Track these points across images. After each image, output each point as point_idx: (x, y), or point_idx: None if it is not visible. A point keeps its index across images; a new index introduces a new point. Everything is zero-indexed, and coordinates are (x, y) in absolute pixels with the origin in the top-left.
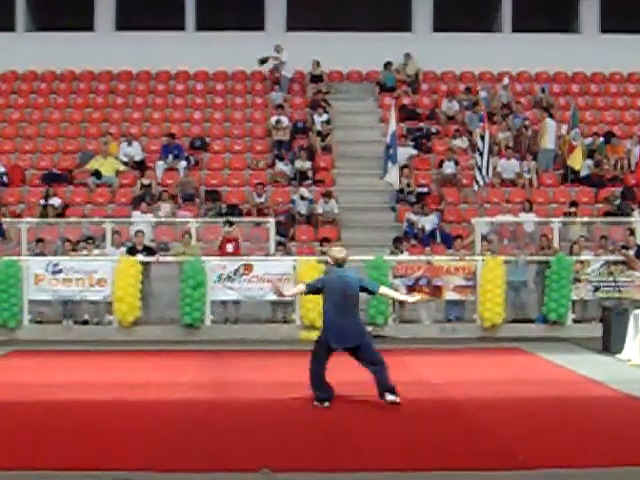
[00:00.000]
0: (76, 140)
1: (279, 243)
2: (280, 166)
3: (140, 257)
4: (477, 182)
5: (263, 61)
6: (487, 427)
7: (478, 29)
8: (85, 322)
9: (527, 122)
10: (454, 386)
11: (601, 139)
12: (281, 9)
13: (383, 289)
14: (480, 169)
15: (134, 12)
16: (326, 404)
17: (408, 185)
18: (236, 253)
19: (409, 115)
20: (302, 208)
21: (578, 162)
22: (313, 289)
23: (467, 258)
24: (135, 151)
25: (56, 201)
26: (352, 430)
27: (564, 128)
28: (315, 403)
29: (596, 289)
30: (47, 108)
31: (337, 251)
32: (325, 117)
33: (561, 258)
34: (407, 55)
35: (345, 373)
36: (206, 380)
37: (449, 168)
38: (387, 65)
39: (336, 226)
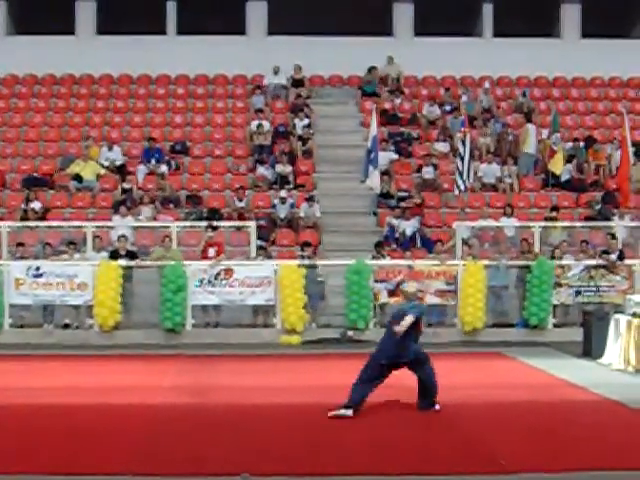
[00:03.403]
0: (57, 144)
1: (260, 247)
2: (261, 170)
3: (122, 261)
4: (458, 186)
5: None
6: (469, 432)
7: (459, 34)
8: (66, 326)
9: (507, 127)
10: None
11: (582, 144)
12: (262, 13)
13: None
14: (461, 173)
15: (115, 16)
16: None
17: (388, 193)
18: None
19: (390, 119)
20: (283, 212)
21: (559, 167)
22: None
23: (448, 262)
24: (116, 155)
25: (37, 205)
26: (335, 435)
27: (545, 133)
28: None
29: (577, 293)
30: (28, 112)
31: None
32: (306, 121)
33: (542, 262)
34: (390, 58)
35: (325, 378)
36: (187, 384)
37: (428, 173)
38: (371, 70)
39: (317, 230)
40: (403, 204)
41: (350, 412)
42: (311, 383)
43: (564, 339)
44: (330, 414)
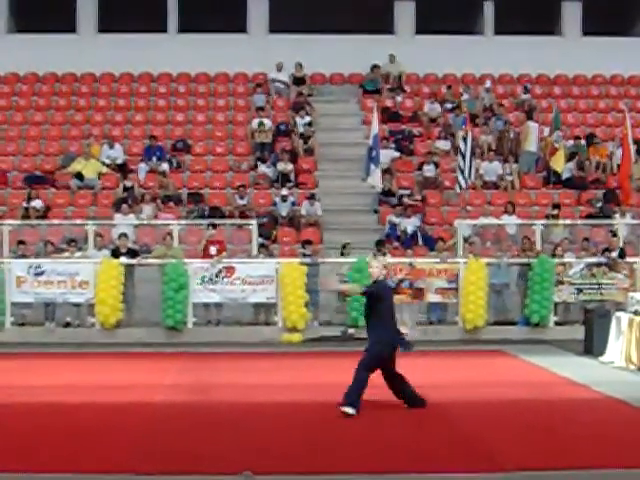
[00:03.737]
0: (58, 142)
1: (261, 245)
2: (262, 168)
3: (123, 259)
4: (459, 184)
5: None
6: (469, 430)
7: (460, 32)
8: (67, 324)
9: (509, 125)
10: (437, 389)
11: (583, 142)
12: (264, 11)
13: None
14: (462, 171)
15: (116, 14)
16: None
17: (390, 191)
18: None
19: (391, 117)
20: (284, 210)
21: (560, 164)
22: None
23: (449, 260)
24: (117, 154)
25: (38, 203)
26: (334, 433)
27: (546, 131)
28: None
29: (578, 291)
30: (29, 110)
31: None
32: (307, 119)
33: (543, 260)
34: (391, 56)
35: (326, 376)
36: (188, 382)
37: (429, 171)
38: (373, 68)
39: (318, 228)
40: (405, 202)
41: (354, 411)
42: (312, 381)
43: (565, 337)
44: (341, 409)
